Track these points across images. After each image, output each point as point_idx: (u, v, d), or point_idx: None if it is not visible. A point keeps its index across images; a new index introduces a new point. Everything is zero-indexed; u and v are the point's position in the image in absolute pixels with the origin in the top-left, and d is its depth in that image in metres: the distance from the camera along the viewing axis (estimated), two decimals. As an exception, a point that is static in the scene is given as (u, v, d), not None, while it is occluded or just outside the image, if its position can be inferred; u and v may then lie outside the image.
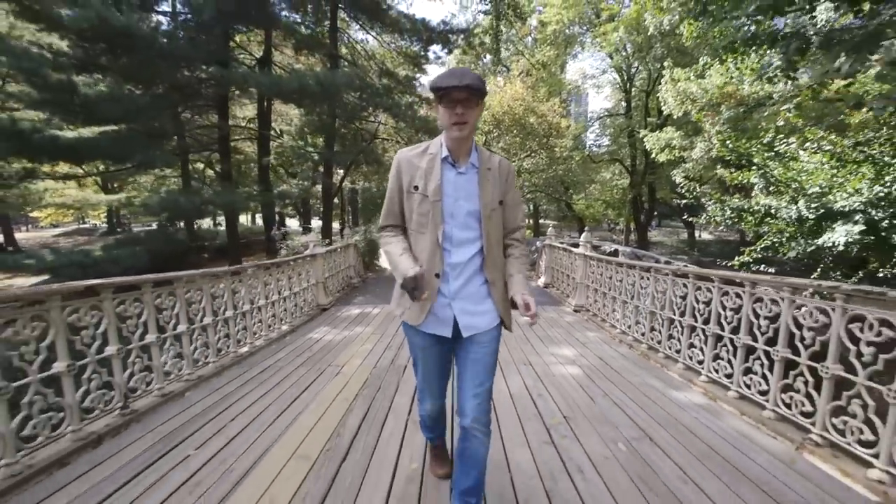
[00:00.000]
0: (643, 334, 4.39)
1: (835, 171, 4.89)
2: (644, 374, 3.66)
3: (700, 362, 3.47)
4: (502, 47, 23.84)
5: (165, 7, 11.59)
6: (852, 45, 3.38)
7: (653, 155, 14.20)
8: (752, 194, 6.33)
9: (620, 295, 5.00)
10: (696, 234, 26.75)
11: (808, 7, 4.02)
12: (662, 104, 12.37)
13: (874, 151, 4.63)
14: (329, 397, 3.15)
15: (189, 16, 8.38)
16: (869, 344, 2.16)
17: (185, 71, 8.63)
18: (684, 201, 7.29)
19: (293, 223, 28.43)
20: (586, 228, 14.77)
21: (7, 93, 8.79)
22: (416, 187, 1.54)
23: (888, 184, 4.47)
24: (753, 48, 4.60)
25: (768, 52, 4.68)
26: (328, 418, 2.79)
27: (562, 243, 8.29)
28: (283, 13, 9.56)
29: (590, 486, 2.03)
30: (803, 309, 2.56)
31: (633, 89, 21.58)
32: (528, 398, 3.08)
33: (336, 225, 21.79)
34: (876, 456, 2.09)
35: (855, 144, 4.93)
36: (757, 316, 2.89)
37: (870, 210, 4.65)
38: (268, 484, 2.06)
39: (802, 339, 2.55)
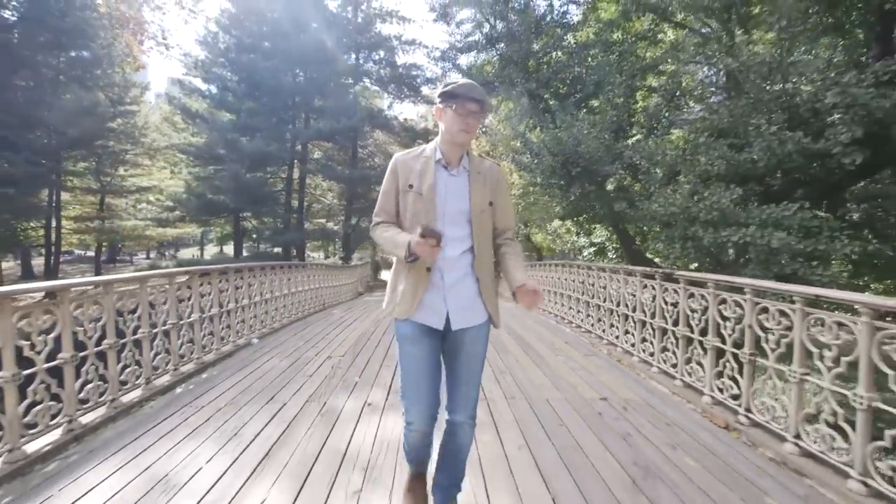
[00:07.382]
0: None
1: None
2: (524, 315, 8.48)
3: (552, 309, 8.26)
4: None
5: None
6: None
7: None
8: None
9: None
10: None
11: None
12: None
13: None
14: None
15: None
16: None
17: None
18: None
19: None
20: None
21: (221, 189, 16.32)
22: (410, 186, 1.64)
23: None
24: None
25: None
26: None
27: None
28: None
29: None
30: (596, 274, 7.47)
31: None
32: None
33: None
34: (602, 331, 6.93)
35: None
36: (588, 284, 7.76)
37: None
38: (363, 328, 6.69)
39: (599, 291, 7.41)
